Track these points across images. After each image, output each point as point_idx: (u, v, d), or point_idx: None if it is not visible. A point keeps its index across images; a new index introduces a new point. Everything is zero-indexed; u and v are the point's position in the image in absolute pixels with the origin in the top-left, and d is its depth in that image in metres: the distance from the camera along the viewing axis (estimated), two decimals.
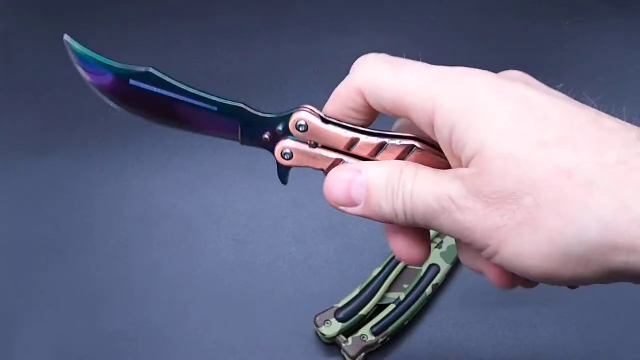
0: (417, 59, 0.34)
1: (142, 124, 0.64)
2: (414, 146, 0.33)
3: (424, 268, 0.54)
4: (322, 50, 0.69)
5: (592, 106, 0.32)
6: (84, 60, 0.36)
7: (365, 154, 0.34)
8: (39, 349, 0.53)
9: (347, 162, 0.35)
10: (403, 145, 0.33)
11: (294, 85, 0.67)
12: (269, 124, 0.36)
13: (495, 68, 0.69)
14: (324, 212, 0.59)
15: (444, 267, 0.54)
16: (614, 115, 0.31)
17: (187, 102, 0.36)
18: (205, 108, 0.36)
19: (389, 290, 0.53)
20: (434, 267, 0.54)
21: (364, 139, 0.34)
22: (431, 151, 0.33)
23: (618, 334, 0.53)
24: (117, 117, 0.66)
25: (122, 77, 0.36)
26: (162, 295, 0.56)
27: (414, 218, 0.32)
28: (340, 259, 0.57)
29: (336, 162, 0.35)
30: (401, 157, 0.34)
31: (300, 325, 0.53)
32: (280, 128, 0.35)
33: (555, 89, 0.33)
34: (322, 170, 0.35)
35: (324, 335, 0.51)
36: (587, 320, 0.53)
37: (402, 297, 0.53)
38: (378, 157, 0.34)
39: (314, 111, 0.35)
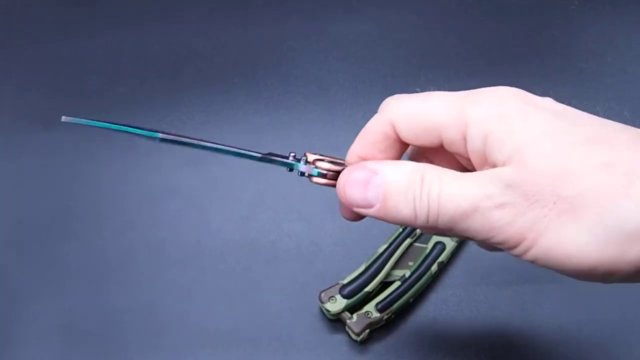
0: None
1: (147, 99, 0.64)
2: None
3: (430, 246, 0.54)
4: (330, 27, 0.69)
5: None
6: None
7: None
8: (43, 325, 0.54)
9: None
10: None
11: (301, 62, 0.67)
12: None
13: (503, 47, 0.69)
14: (329, 189, 0.59)
15: (450, 245, 0.54)
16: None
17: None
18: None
19: (394, 267, 0.53)
20: (440, 245, 0.54)
21: None
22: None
23: (622, 313, 0.53)
24: (123, 92, 0.66)
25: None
26: (166, 271, 0.56)
27: (437, 221, 0.33)
28: (345, 236, 0.57)
29: None
30: None
31: (305, 301, 0.54)
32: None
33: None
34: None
35: (328, 311, 0.51)
36: (591, 299, 0.53)
37: (407, 274, 0.53)
38: None
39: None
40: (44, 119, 0.63)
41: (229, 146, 0.37)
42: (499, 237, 0.31)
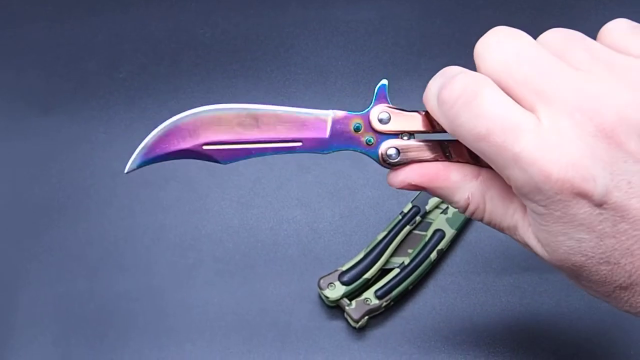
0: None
1: (146, 85, 0.64)
2: None
3: (429, 233, 0.54)
4: (330, 14, 0.69)
5: None
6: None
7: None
8: (41, 310, 0.54)
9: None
10: None
11: (301, 49, 0.66)
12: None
13: None
14: (329, 175, 0.59)
15: (449, 232, 0.54)
16: None
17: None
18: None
19: (393, 254, 0.53)
20: (439, 233, 0.54)
21: None
22: None
23: None
24: (121, 78, 0.66)
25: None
26: (165, 257, 0.56)
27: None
28: (345, 223, 0.57)
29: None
30: None
31: (304, 288, 0.54)
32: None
33: None
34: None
35: (327, 298, 0.51)
36: None
37: (407, 261, 0.53)
38: None
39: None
40: (43, 103, 0.63)
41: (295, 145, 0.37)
42: None
